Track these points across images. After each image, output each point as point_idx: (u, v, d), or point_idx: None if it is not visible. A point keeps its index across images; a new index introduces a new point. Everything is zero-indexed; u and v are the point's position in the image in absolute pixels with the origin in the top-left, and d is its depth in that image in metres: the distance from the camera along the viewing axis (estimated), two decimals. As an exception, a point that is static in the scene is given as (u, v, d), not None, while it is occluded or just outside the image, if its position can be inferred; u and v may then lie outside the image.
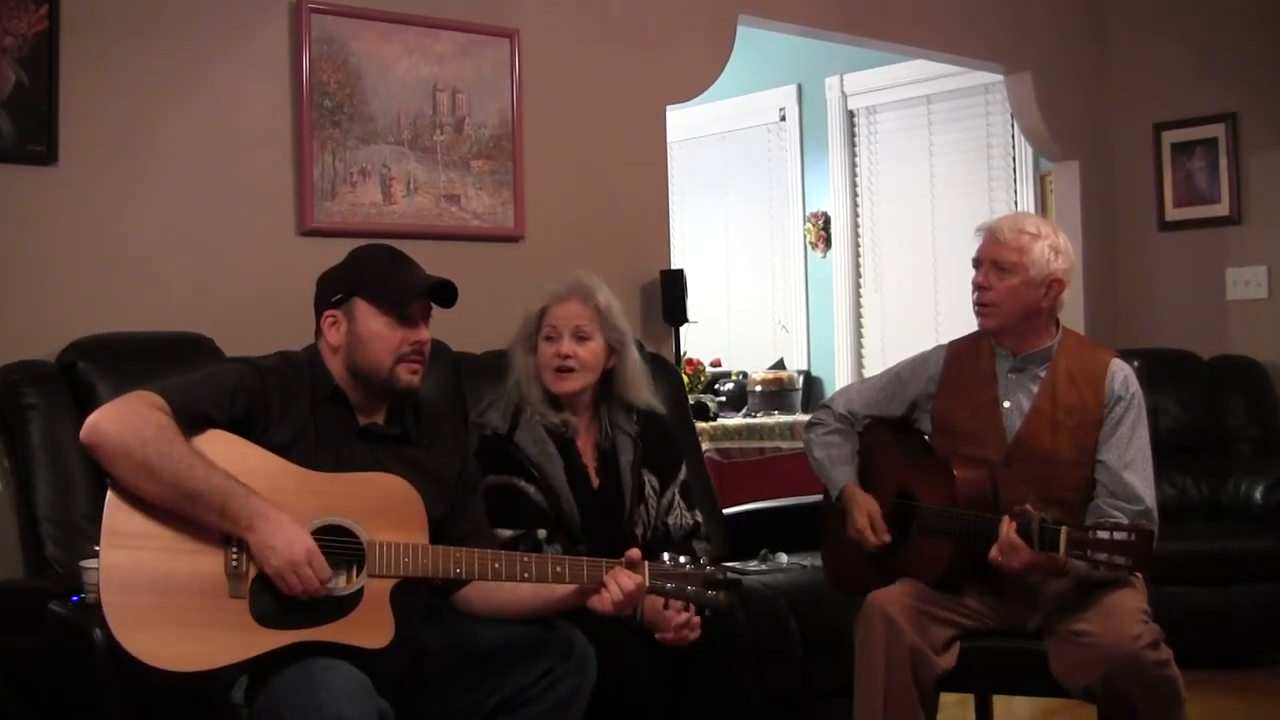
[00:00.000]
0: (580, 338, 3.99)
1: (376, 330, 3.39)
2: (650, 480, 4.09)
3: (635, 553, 3.40)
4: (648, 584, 3.38)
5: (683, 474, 4.22)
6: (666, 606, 3.60)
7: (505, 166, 5.40)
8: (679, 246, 8.58)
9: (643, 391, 4.15)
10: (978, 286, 4.05)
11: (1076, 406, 3.97)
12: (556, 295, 4.06)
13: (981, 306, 4.05)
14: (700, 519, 4.21)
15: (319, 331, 3.47)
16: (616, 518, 3.97)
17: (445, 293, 3.48)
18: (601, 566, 3.36)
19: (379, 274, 3.44)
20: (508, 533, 3.76)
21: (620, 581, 3.35)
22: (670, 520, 4.10)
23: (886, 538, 4.09)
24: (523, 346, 4.08)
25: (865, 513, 4.13)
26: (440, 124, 5.22)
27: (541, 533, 3.79)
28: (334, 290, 3.46)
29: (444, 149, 5.23)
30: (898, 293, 9.28)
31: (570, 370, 3.98)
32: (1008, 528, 3.72)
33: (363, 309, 3.40)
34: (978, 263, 4.07)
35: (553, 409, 4.02)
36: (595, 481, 4.02)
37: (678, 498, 4.15)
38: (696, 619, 3.65)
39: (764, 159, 9.99)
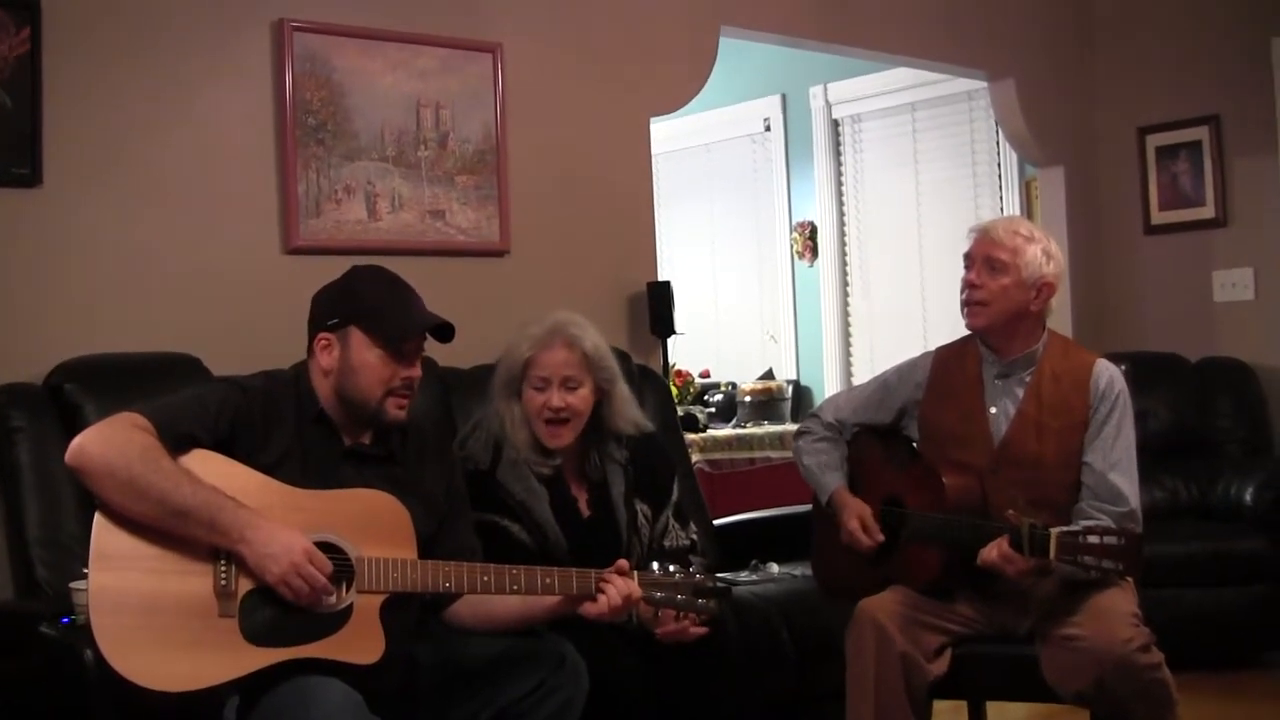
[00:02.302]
0: (570, 387, 3.90)
1: (370, 362, 3.39)
2: (643, 510, 4.06)
3: (623, 563, 3.41)
4: (637, 593, 3.39)
5: (675, 495, 4.19)
6: (657, 616, 3.59)
7: (490, 181, 5.39)
8: (665, 258, 8.59)
9: (630, 417, 4.08)
10: (968, 284, 4.05)
11: (1062, 408, 3.98)
12: (540, 342, 3.93)
13: (971, 305, 4.05)
14: (695, 536, 4.20)
15: (311, 351, 3.46)
16: (610, 549, 3.87)
17: (442, 330, 3.48)
18: (590, 577, 3.37)
19: (378, 304, 3.43)
20: None
21: (617, 586, 3.35)
22: (667, 543, 4.08)
23: (880, 537, 4.09)
24: (504, 392, 3.98)
25: (856, 515, 4.14)
26: (424, 140, 5.22)
27: None
28: (330, 313, 3.45)
29: (428, 165, 5.23)
30: (885, 300, 9.29)
31: (563, 422, 3.90)
32: (1000, 546, 3.73)
33: (358, 338, 3.39)
34: (969, 261, 4.07)
35: (541, 455, 3.94)
36: (586, 512, 4.00)
37: (672, 521, 4.13)
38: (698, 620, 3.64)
39: (749, 169, 10.01)
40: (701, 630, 3.62)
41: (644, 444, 4.14)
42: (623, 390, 4.07)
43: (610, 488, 4.04)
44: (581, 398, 3.93)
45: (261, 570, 3.06)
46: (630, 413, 4.08)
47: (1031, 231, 4.05)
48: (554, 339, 3.93)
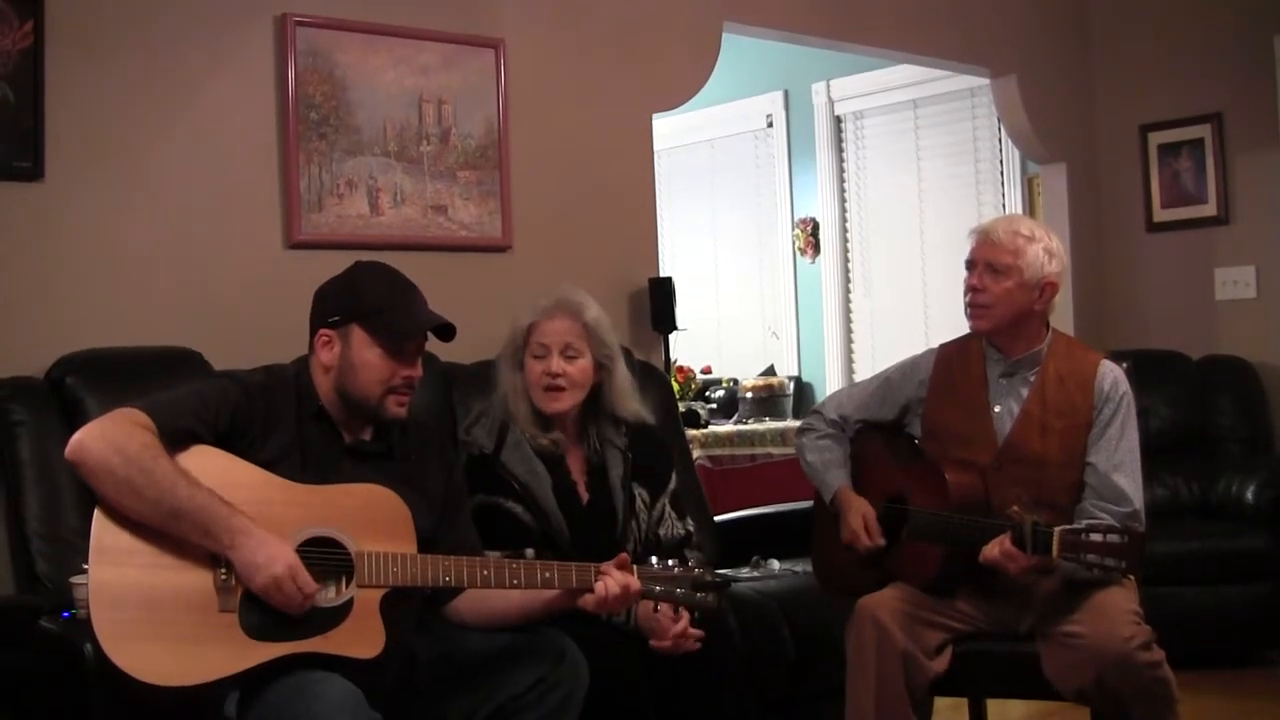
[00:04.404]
0: (569, 356, 3.95)
1: (370, 360, 3.38)
2: (641, 494, 4.07)
3: (624, 556, 3.41)
4: (636, 587, 3.39)
5: (673, 484, 4.20)
6: (656, 610, 3.60)
7: (492, 176, 5.39)
8: (667, 254, 8.58)
9: (631, 404, 4.11)
10: (971, 288, 4.05)
11: (1066, 409, 3.98)
12: (544, 311, 4.01)
13: (974, 308, 4.05)
14: (691, 528, 4.20)
15: (312, 348, 3.46)
16: (607, 533, 3.94)
17: (444, 330, 3.48)
18: (590, 571, 3.37)
19: (380, 303, 3.42)
20: (495, 554, 3.69)
21: (615, 578, 3.35)
22: (661, 531, 4.09)
23: (881, 541, 4.09)
24: (509, 362, 4.05)
25: (860, 515, 4.13)
26: (426, 135, 5.22)
27: (529, 552, 3.72)
28: (332, 310, 3.44)
29: (430, 160, 5.22)
30: (887, 297, 9.29)
31: (560, 389, 3.95)
32: (1002, 543, 3.73)
33: (359, 336, 3.39)
34: (971, 264, 4.07)
35: (541, 428, 3.99)
36: (584, 497, 4.01)
37: (668, 509, 4.14)
38: (697, 631, 3.65)
39: (751, 165, 10.01)
40: (694, 646, 3.64)
41: (643, 433, 4.17)
42: (623, 373, 4.10)
43: (609, 471, 4.06)
44: (580, 368, 3.97)
45: (246, 578, 3.06)
46: (631, 398, 4.12)
47: (1033, 231, 4.04)
48: (557, 309, 4.01)
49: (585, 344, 3.98)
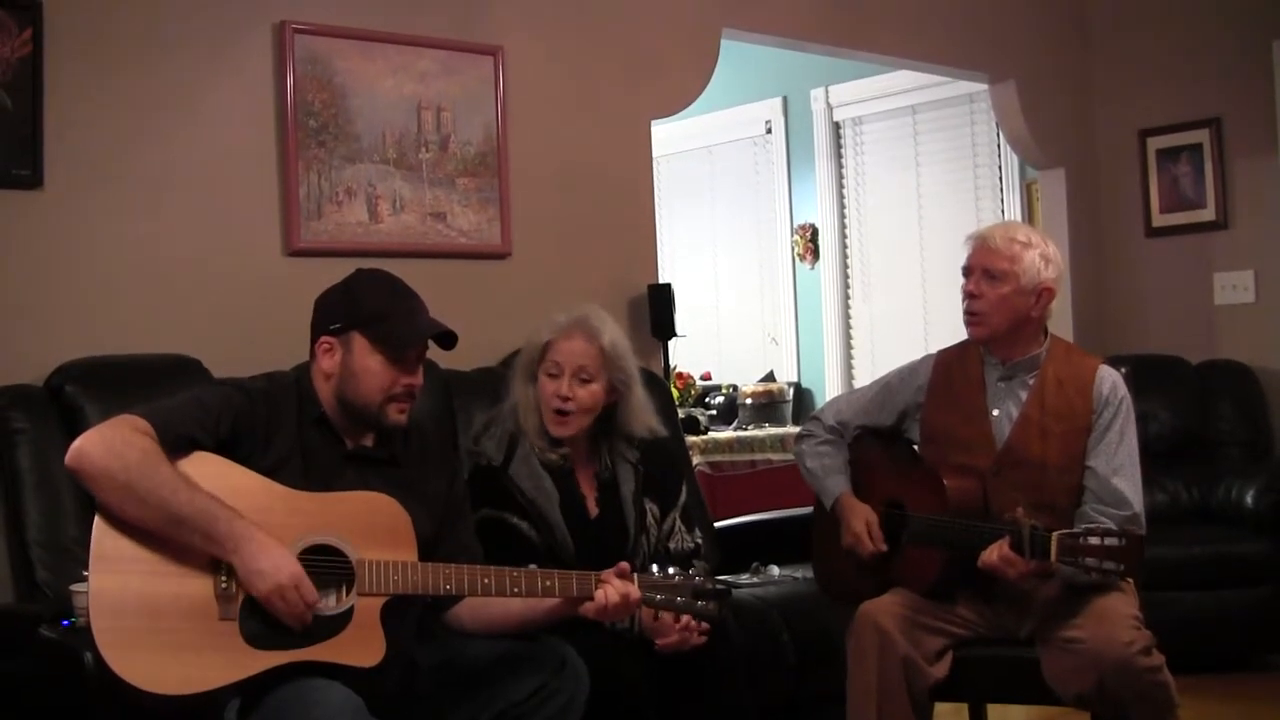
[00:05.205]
0: (582, 379, 3.93)
1: (371, 367, 3.38)
2: (652, 509, 4.07)
3: (624, 566, 3.41)
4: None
5: (683, 498, 4.20)
6: (657, 618, 3.59)
7: (491, 183, 5.39)
8: (666, 260, 8.58)
9: (646, 423, 4.10)
10: (968, 295, 4.05)
11: (1065, 413, 3.98)
12: (562, 330, 3.99)
13: (971, 315, 4.05)
14: (700, 540, 4.20)
15: (313, 354, 3.46)
16: (617, 547, 3.91)
17: (444, 338, 3.48)
18: (591, 580, 3.36)
19: (380, 311, 3.42)
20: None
21: (615, 586, 3.35)
22: (671, 545, 4.08)
23: (882, 546, 4.09)
24: (523, 376, 4.03)
25: (862, 520, 4.13)
26: (425, 142, 5.22)
27: (532, 567, 3.72)
28: (333, 317, 3.44)
29: (429, 167, 5.22)
30: (886, 302, 9.29)
31: (568, 414, 3.92)
32: (1000, 548, 3.73)
33: (359, 344, 3.39)
34: (968, 271, 4.07)
35: (550, 443, 3.96)
36: (593, 511, 4.00)
37: (678, 522, 4.13)
38: (701, 624, 3.66)
39: (750, 172, 10.01)
40: (700, 641, 3.64)
41: (655, 446, 4.16)
42: (639, 394, 4.08)
43: (620, 486, 4.05)
44: (591, 392, 3.95)
45: (248, 585, 3.05)
46: (645, 417, 4.10)
47: (1029, 237, 4.04)
48: (575, 329, 3.98)
49: (600, 368, 3.95)
